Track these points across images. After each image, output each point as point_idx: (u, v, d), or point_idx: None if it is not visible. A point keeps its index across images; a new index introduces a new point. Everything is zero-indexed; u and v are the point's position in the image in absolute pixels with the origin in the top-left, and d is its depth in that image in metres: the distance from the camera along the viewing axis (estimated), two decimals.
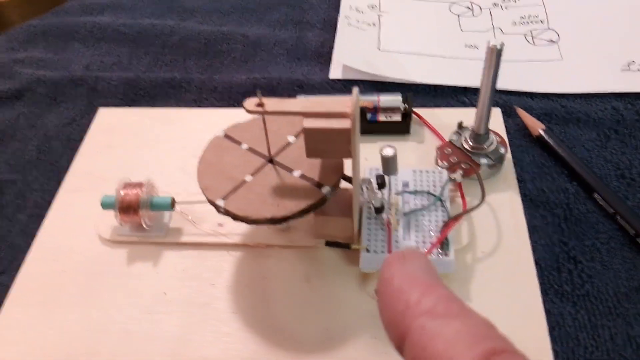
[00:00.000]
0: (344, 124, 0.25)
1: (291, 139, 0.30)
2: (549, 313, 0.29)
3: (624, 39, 0.44)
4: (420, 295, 0.17)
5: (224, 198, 0.27)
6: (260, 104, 0.26)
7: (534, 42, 0.44)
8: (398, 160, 0.30)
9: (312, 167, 0.28)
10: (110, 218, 0.32)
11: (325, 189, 0.27)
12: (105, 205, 0.32)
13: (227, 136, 0.30)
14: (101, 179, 0.37)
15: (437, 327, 0.15)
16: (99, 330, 0.29)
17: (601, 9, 0.47)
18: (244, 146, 0.30)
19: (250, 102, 0.26)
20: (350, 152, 0.26)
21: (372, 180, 0.31)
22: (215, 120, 0.40)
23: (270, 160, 0.29)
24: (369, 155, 0.36)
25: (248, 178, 0.28)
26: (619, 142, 0.37)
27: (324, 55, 0.45)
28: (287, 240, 0.32)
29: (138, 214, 0.32)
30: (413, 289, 0.17)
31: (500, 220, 0.32)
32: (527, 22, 0.46)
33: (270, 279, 0.31)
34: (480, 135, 0.34)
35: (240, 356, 0.28)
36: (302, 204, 0.27)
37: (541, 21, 0.46)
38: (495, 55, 0.29)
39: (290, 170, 0.28)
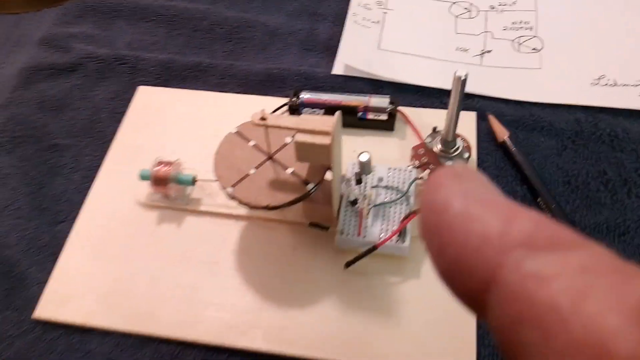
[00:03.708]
0: (326, 140, 0.33)
1: (288, 140, 0.37)
2: None
3: (599, 52, 0.48)
4: (503, 222, 0.11)
5: (233, 186, 0.35)
6: (264, 118, 0.34)
7: (519, 49, 0.50)
8: (382, 153, 0.38)
9: (302, 166, 0.36)
10: (145, 186, 0.41)
11: (310, 186, 0.35)
12: (143, 177, 0.41)
13: (238, 133, 0.38)
14: (140, 150, 0.45)
15: (548, 266, 0.10)
16: (133, 274, 0.39)
17: (587, 19, 0.51)
18: (252, 143, 0.38)
19: (256, 116, 0.34)
20: (330, 161, 0.34)
21: (351, 177, 0.38)
22: (233, 106, 0.48)
23: (270, 158, 0.37)
24: (358, 147, 0.43)
25: (252, 171, 0.36)
26: (573, 152, 0.43)
27: (331, 49, 0.51)
28: (281, 216, 0.40)
29: (167, 186, 0.40)
30: (489, 214, 0.12)
31: None
32: (517, 28, 0.51)
33: (265, 246, 0.39)
34: (448, 141, 0.41)
35: (238, 304, 0.37)
36: (290, 197, 0.35)
37: (530, 28, 0.51)
38: (460, 85, 0.36)
39: (285, 167, 0.36)
